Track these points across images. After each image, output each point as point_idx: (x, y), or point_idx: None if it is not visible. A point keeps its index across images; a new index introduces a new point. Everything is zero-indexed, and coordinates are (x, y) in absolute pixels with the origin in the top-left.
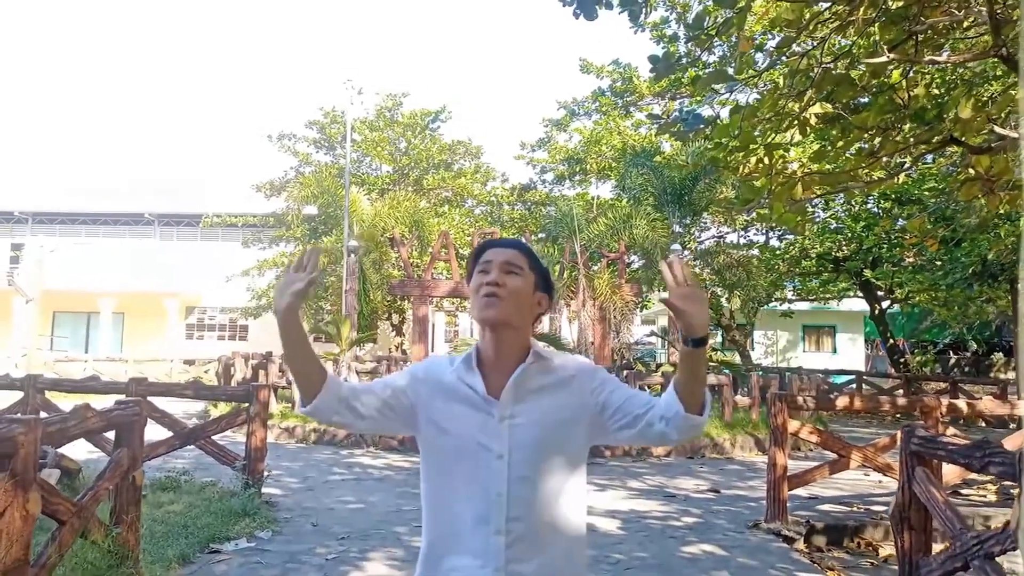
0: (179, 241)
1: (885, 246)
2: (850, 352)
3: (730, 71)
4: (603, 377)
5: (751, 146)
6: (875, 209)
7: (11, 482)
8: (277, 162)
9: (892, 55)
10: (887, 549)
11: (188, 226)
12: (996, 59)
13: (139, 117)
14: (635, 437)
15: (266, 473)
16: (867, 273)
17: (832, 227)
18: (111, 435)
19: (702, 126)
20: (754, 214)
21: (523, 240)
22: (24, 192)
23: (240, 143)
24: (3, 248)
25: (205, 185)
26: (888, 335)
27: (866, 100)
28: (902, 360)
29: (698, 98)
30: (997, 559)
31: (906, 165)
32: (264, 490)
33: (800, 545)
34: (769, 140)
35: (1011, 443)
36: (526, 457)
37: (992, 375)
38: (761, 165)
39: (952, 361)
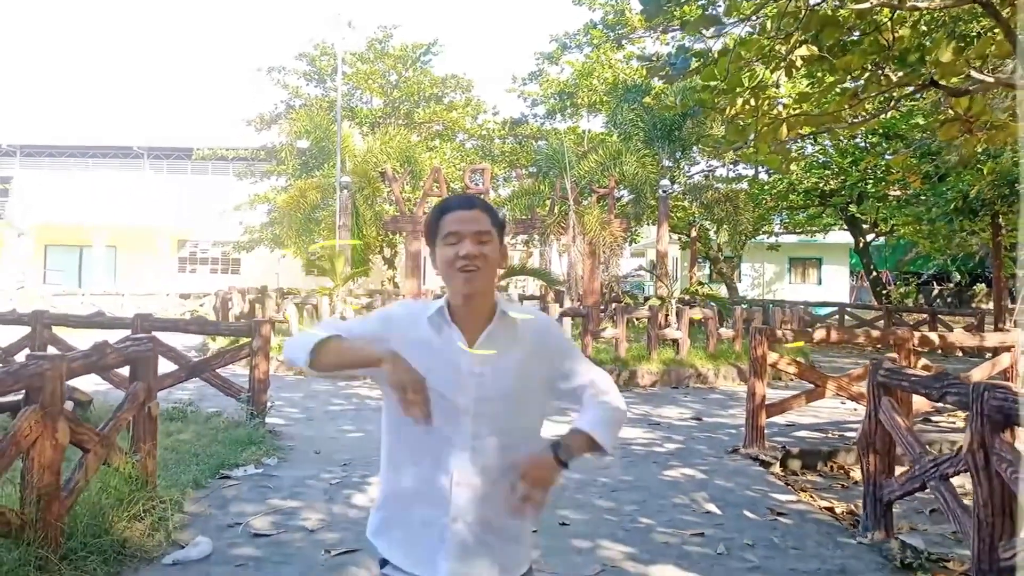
0: (169, 174)
1: (871, 181)
2: (835, 284)
3: (720, 7)
4: (567, 350)
5: (737, 88)
6: (863, 144)
7: (40, 414)
8: (268, 95)
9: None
10: (858, 473)
11: (178, 159)
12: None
13: (127, 49)
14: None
15: (269, 404)
16: (852, 208)
17: (820, 161)
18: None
19: (690, 67)
20: (741, 152)
21: (486, 197)
22: (12, 125)
23: (229, 75)
24: None
25: (195, 118)
26: (872, 267)
27: (852, 39)
28: (885, 292)
29: (690, 33)
30: (951, 479)
31: (888, 106)
32: (268, 420)
33: (776, 469)
34: (756, 82)
35: (979, 373)
36: (491, 412)
37: (974, 305)
38: (748, 107)
39: (935, 292)
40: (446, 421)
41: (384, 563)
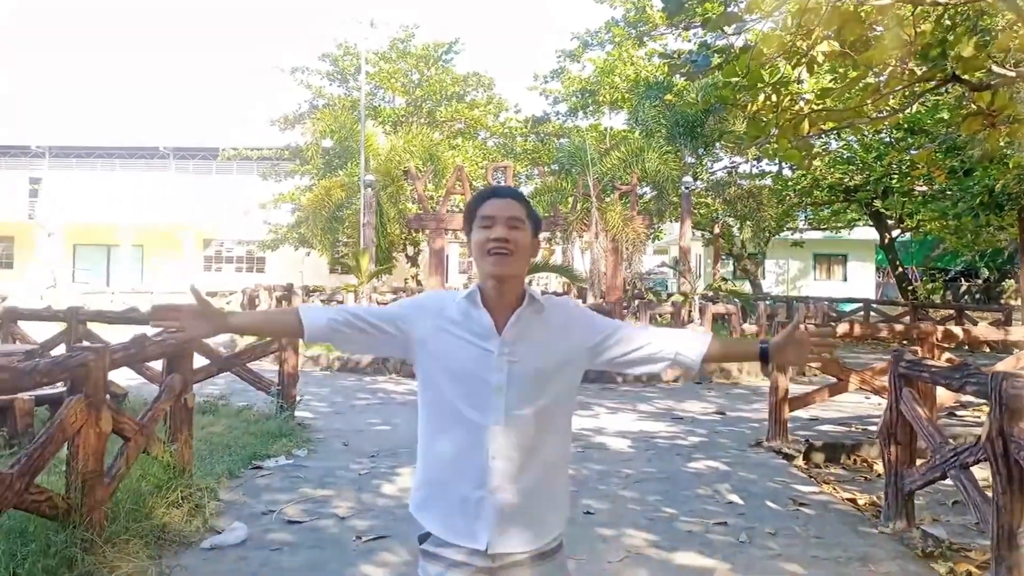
0: (195, 174)
1: (895, 176)
2: (861, 280)
3: (742, 3)
4: (602, 329)
5: (759, 84)
6: (887, 139)
7: (85, 403)
8: (291, 95)
9: None
10: (881, 466)
11: (203, 159)
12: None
13: (153, 51)
14: (631, 372)
15: (298, 398)
16: (877, 204)
17: (844, 156)
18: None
19: (712, 64)
20: (762, 147)
21: (520, 188)
22: (41, 126)
23: (254, 76)
24: (22, 182)
25: (220, 118)
26: (897, 263)
27: (875, 34)
28: (911, 288)
29: (712, 30)
30: (971, 468)
31: (911, 101)
32: (296, 413)
33: (799, 462)
34: (776, 78)
35: (1003, 366)
36: (521, 391)
37: (1003, 301)
38: (769, 103)
39: (963, 288)
40: (480, 399)
41: (424, 538)
